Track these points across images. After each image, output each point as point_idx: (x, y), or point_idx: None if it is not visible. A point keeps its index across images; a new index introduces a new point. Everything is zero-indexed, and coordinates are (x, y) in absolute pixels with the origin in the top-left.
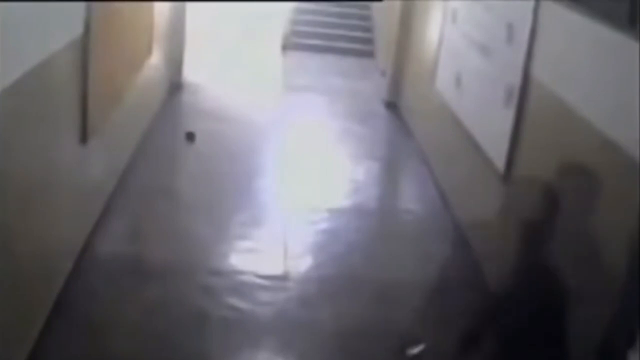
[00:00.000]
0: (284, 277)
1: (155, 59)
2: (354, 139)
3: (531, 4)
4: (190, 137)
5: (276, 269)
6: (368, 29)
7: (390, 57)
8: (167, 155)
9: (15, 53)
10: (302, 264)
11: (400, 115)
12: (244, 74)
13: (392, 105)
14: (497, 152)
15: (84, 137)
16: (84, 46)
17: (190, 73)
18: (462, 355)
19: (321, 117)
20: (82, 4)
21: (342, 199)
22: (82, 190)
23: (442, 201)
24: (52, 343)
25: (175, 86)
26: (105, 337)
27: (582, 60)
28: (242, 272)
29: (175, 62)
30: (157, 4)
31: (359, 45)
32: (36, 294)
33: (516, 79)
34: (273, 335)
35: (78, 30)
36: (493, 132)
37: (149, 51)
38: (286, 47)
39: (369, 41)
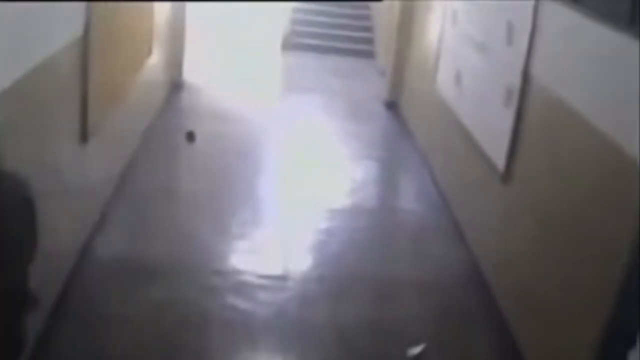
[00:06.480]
0: (284, 277)
1: (156, 59)
2: (354, 138)
3: (531, 4)
4: (191, 136)
5: (276, 269)
6: (368, 29)
7: (390, 57)
8: (168, 155)
9: (16, 53)
10: (302, 263)
11: (400, 115)
12: (244, 74)
13: (392, 105)
14: (497, 151)
15: (84, 137)
16: (84, 46)
17: (191, 73)
18: None
19: (321, 117)
20: (82, 4)
21: (342, 198)
22: (82, 189)
23: (442, 200)
24: (53, 343)
25: (175, 86)
26: (107, 337)
27: (582, 59)
28: (242, 272)
29: (175, 62)
30: (157, 4)
31: (358, 45)
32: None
33: (516, 79)
34: (273, 333)
35: (78, 30)
36: (493, 132)
37: (149, 51)
38: (286, 47)
39: (369, 41)
